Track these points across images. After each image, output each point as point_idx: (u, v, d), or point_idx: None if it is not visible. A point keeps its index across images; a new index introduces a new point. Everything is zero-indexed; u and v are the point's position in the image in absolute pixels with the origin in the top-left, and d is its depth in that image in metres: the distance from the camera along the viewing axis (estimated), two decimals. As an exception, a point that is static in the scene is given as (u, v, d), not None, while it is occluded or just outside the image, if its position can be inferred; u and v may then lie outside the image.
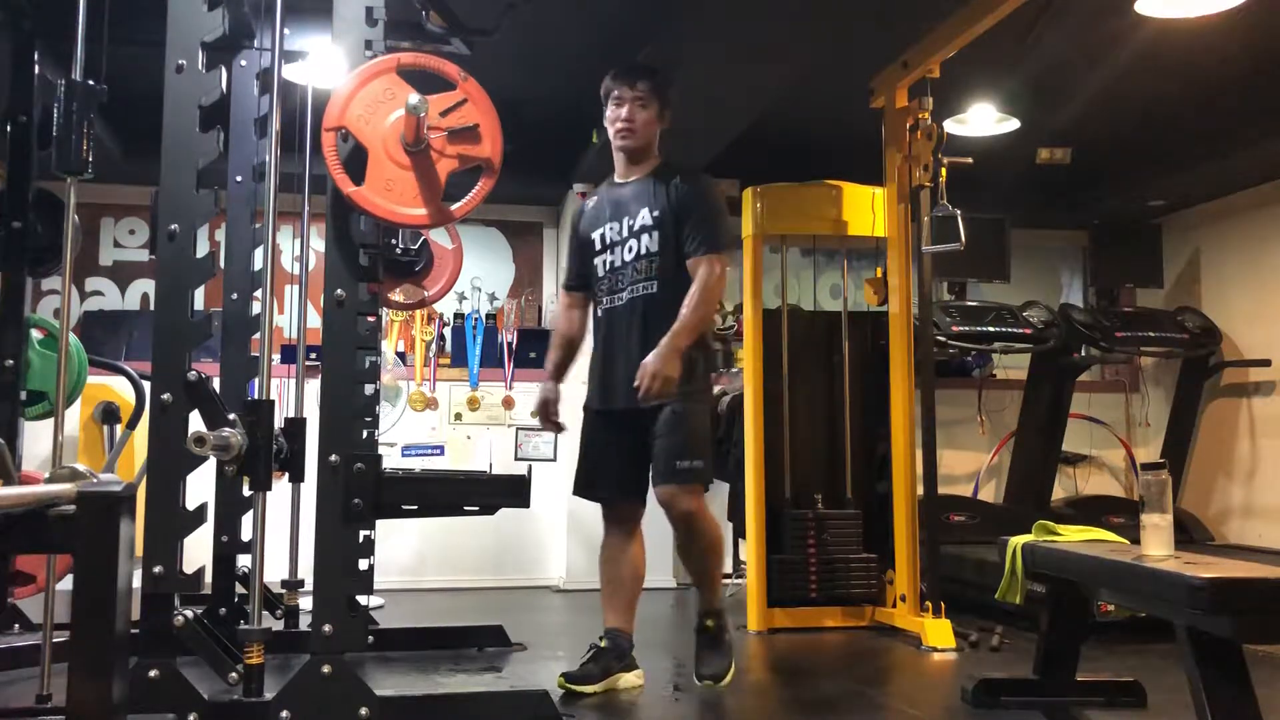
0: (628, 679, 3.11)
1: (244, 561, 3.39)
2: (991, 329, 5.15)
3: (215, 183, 2.65)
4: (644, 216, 3.13)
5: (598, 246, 3.22)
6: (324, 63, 3.45)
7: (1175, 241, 6.17)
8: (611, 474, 3.17)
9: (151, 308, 3.33)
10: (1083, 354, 5.55)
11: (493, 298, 6.00)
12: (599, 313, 3.24)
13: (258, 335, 3.14)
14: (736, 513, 4.68)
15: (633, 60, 3.46)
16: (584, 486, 3.23)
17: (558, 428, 3.31)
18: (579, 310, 3.33)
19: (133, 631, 1.67)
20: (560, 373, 3.32)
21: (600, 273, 3.21)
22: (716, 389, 4.40)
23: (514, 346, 5.66)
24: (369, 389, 3.36)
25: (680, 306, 3.01)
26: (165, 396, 2.46)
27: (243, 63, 3.36)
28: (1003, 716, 2.85)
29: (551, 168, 5.53)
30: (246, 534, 3.34)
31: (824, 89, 4.41)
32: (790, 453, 4.40)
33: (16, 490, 1.33)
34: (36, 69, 3.16)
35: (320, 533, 2.51)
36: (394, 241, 3.62)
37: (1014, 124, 4.76)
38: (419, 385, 5.54)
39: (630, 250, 3.14)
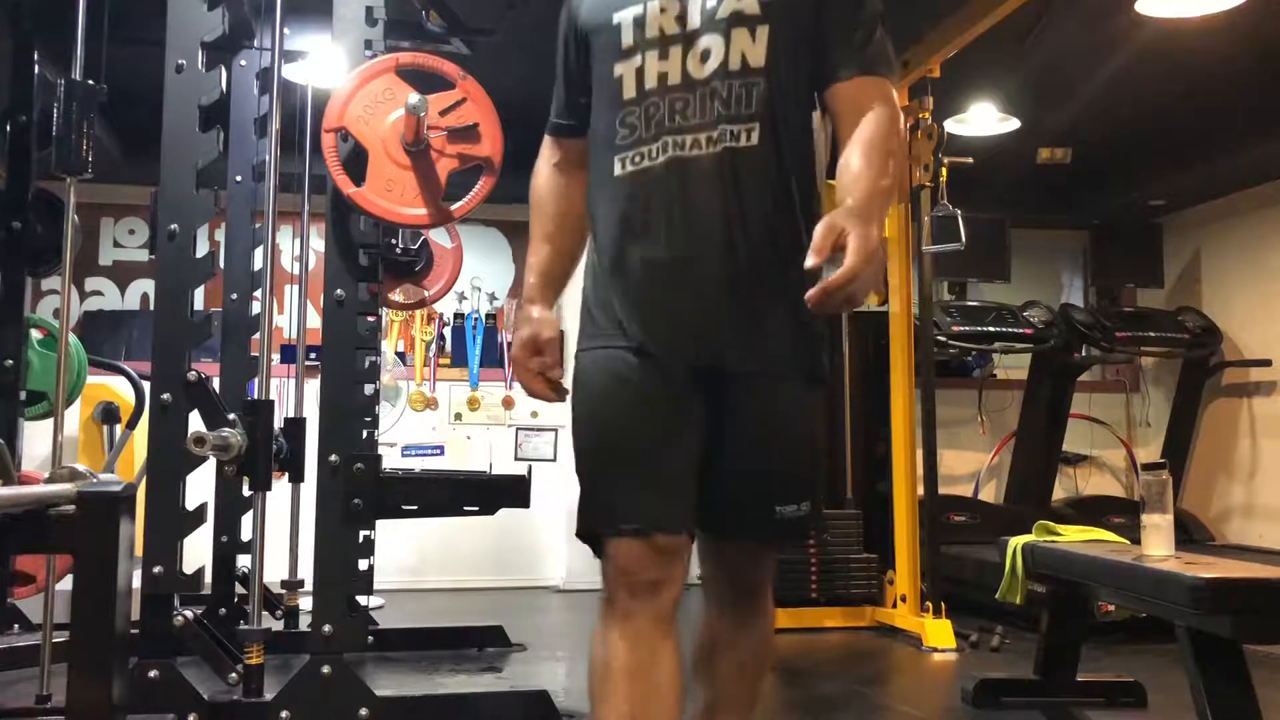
0: None
1: (244, 561, 3.39)
2: (992, 329, 5.15)
3: (215, 183, 2.66)
4: None
5: (623, 42, 1.61)
6: (324, 63, 3.45)
7: (1175, 241, 6.16)
8: (671, 476, 1.55)
9: (151, 308, 3.33)
10: (1083, 354, 5.55)
11: (492, 298, 5.99)
12: (614, 173, 1.61)
13: (258, 335, 3.14)
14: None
15: None
16: (614, 507, 1.53)
17: (558, 391, 1.69)
18: (577, 174, 1.74)
19: (133, 631, 1.68)
20: (556, 288, 1.76)
21: (629, 94, 1.60)
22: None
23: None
24: (369, 389, 3.37)
25: (790, 180, 1.57)
26: (165, 396, 2.46)
27: (243, 63, 3.36)
28: (1003, 717, 2.85)
29: (552, 168, 5.52)
30: (246, 534, 3.34)
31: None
32: (790, 453, 4.40)
33: (16, 490, 1.33)
34: (36, 69, 3.17)
35: (320, 533, 2.51)
36: (394, 241, 3.62)
37: (1014, 124, 4.76)
38: (419, 385, 5.54)
39: (709, 58, 1.56)
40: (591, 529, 1.54)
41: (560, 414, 4.80)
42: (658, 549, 1.49)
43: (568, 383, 1.64)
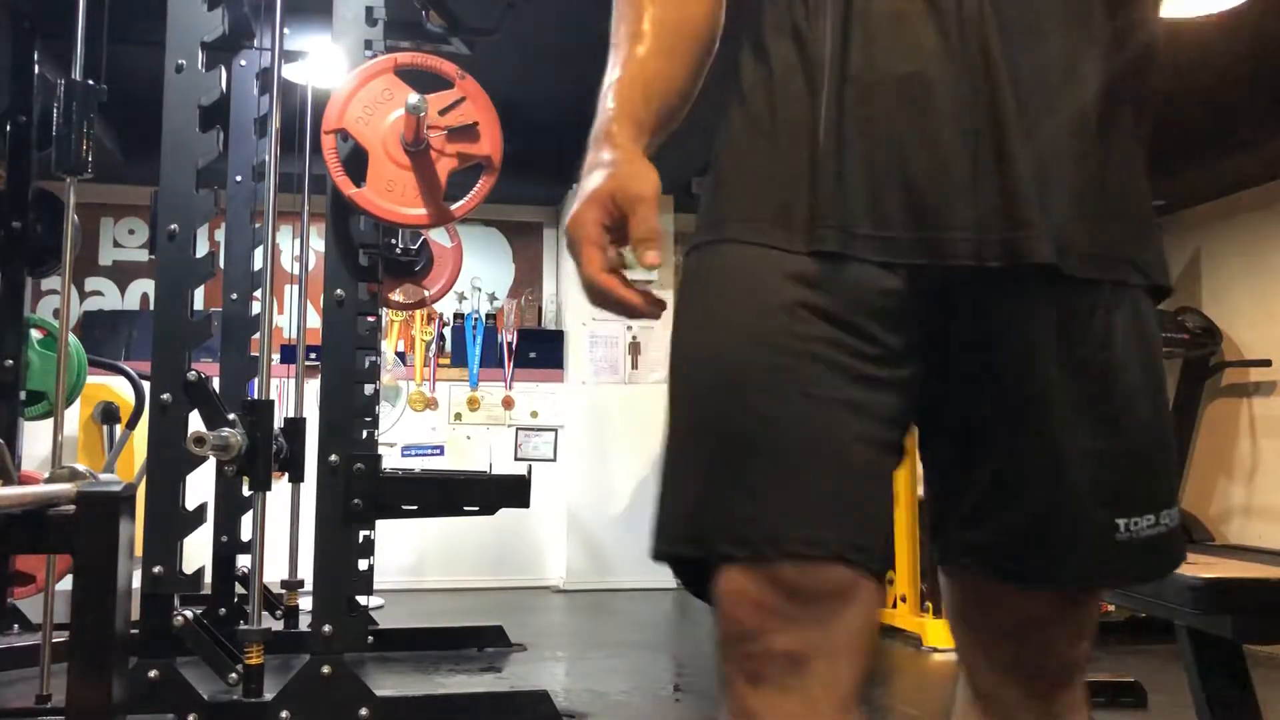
0: None
1: (244, 561, 3.39)
2: (992, 329, 5.15)
3: (215, 183, 2.66)
4: None
5: None
6: (324, 63, 3.45)
7: (1176, 241, 6.17)
8: (863, 469, 0.86)
9: (151, 308, 3.34)
10: (1083, 354, 5.54)
11: (493, 298, 6.00)
12: None
13: (258, 335, 3.14)
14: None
15: None
16: (769, 514, 0.83)
17: (647, 300, 0.88)
18: None
19: (133, 631, 1.68)
20: (652, 125, 0.94)
21: None
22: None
23: (514, 346, 5.66)
24: (369, 389, 3.37)
25: None
26: (165, 396, 2.47)
27: (243, 63, 3.36)
28: (1003, 716, 2.85)
29: (551, 168, 5.53)
30: (246, 534, 3.35)
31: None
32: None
33: (16, 490, 1.33)
34: (36, 69, 3.17)
35: (320, 533, 2.51)
36: (394, 241, 3.62)
37: (1014, 124, 4.76)
38: (419, 385, 5.54)
39: None
40: (715, 543, 0.85)
41: (561, 414, 4.78)
42: (840, 588, 0.85)
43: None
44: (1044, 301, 0.87)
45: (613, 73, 0.96)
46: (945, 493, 1.00)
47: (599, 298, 0.88)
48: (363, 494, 2.51)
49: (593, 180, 0.89)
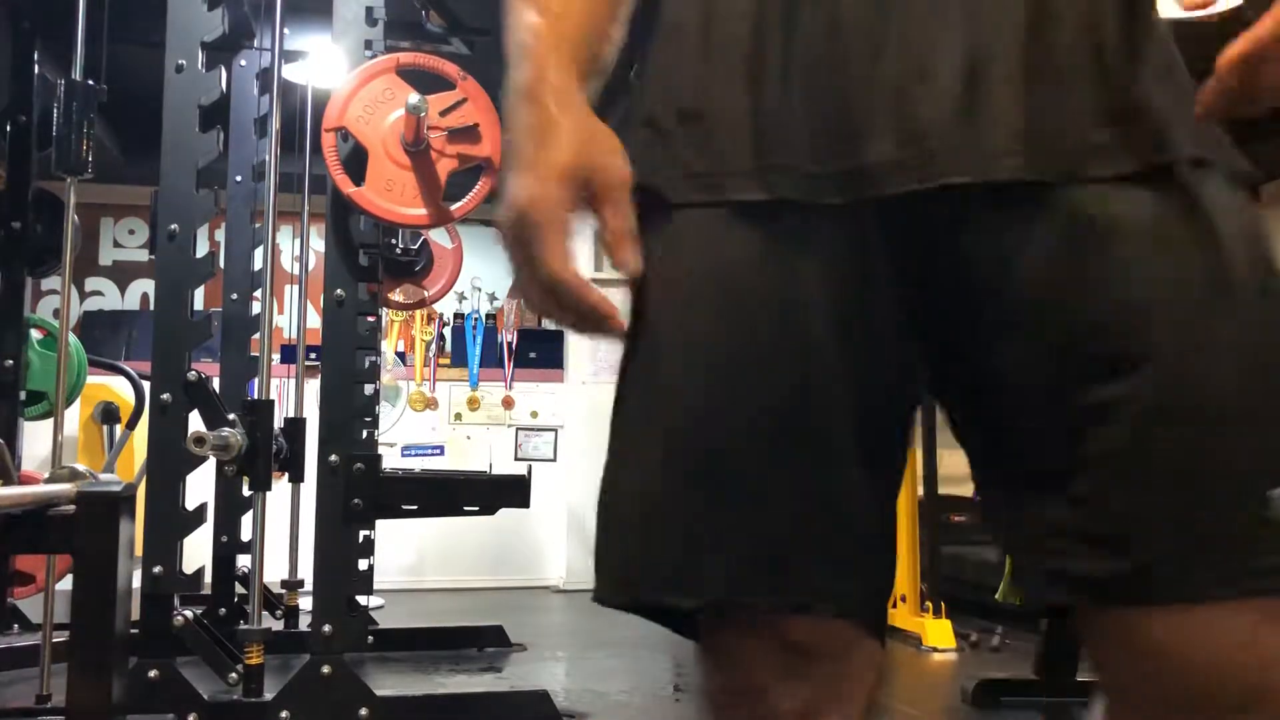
0: None
1: (244, 561, 3.39)
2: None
3: (215, 183, 2.66)
4: None
5: None
6: (324, 63, 3.46)
7: (1175, 241, 6.18)
8: (874, 491, 0.72)
9: (151, 308, 3.34)
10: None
11: (493, 298, 6.00)
12: None
13: (258, 335, 3.14)
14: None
15: None
16: (744, 558, 0.69)
17: (615, 322, 0.73)
18: None
19: (133, 631, 1.68)
20: (594, 71, 0.76)
21: None
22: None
23: (514, 346, 5.66)
24: (369, 389, 3.37)
25: None
26: (165, 396, 2.47)
27: (243, 63, 3.36)
28: (1003, 716, 2.85)
29: (551, 168, 5.53)
30: (246, 534, 3.35)
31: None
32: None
33: (16, 490, 1.33)
34: (36, 69, 3.17)
35: (320, 533, 2.51)
36: (394, 241, 3.62)
37: (1014, 124, 4.76)
38: (419, 385, 5.54)
39: None
40: (706, 589, 0.70)
41: (561, 414, 4.79)
42: (854, 638, 0.74)
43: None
44: (1063, 215, 0.67)
45: (526, 14, 0.75)
46: (988, 495, 0.75)
47: (560, 301, 0.70)
48: (363, 494, 2.51)
49: (551, 150, 0.69)
